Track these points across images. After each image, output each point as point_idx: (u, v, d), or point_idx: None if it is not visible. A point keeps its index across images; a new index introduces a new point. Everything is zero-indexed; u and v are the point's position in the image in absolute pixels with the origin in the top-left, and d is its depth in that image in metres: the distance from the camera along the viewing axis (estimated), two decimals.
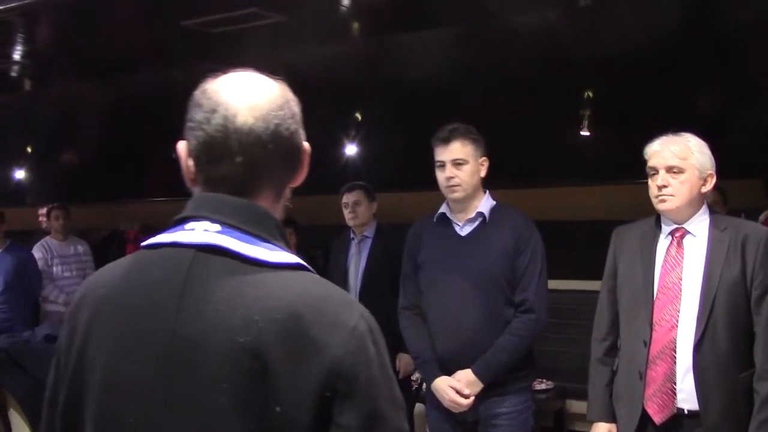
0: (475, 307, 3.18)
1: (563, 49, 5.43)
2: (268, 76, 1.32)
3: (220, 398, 1.15)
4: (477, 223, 3.29)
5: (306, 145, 1.34)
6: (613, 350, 3.00)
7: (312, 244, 5.98)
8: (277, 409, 1.14)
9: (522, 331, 3.20)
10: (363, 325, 1.20)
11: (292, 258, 1.24)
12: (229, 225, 1.24)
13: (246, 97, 1.27)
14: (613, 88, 5.45)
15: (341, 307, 1.21)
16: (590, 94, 5.59)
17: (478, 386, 3.17)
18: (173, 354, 1.19)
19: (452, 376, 3.20)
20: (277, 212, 1.32)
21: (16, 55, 5.69)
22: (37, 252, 6.70)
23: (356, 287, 4.82)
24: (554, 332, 4.86)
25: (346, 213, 4.85)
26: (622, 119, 5.39)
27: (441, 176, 3.25)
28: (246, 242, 1.23)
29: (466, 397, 3.17)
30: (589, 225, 5.26)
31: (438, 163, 3.26)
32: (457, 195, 3.23)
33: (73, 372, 1.28)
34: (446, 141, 3.23)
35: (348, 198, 4.86)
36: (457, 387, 3.18)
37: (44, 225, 7.31)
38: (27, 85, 7.00)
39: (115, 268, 1.34)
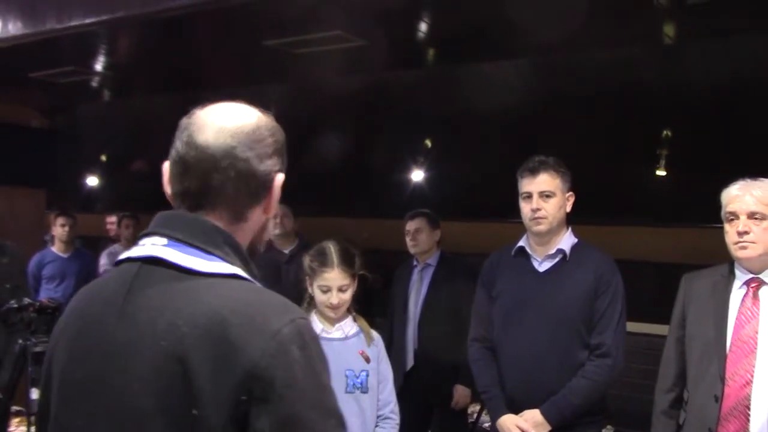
0: (548, 346, 3.11)
1: (643, 87, 5.34)
2: (256, 108, 1.36)
3: (146, 401, 1.19)
4: (557, 259, 3.21)
5: (277, 176, 1.35)
6: (678, 403, 2.90)
7: (372, 268, 5.95)
8: (194, 411, 1.15)
9: (597, 376, 3.09)
10: (290, 329, 1.19)
11: (230, 268, 1.27)
12: (176, 239, 1.29)
13: (217, 119, 1.33)
14: (691, 129, 5.33)
15: (271, 312, 1.21)
16: (669, 134, 5.48)
17: (545, 428, 3.09)
18: (113, 360, 1.25)
19: (520, 415, 3.13)
20: (240, 234, 1.34)
21: (99, 66, 5.83)
22: (104, 259, 6.86)
23: (415, 315, 4.78)
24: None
25: (408, 240, 4.83)
26: (698, 161, 5.26)
27: (526, 208, 3.17)
28: (187, 254, 1.27)
29: None
30: (660, 267, 5.12)
31: (524, 194, 3.19)
32: (541, 228, 3.15)
33: (44, 381, 1.38)
34: (534, 172, 3.16)
35: (410, 225, 4.83)
36: (524, 427, 3.10)
37: (112, 233, 7.48)
38: (106, 95, 7.16)
39: (94, 283, 1.43)
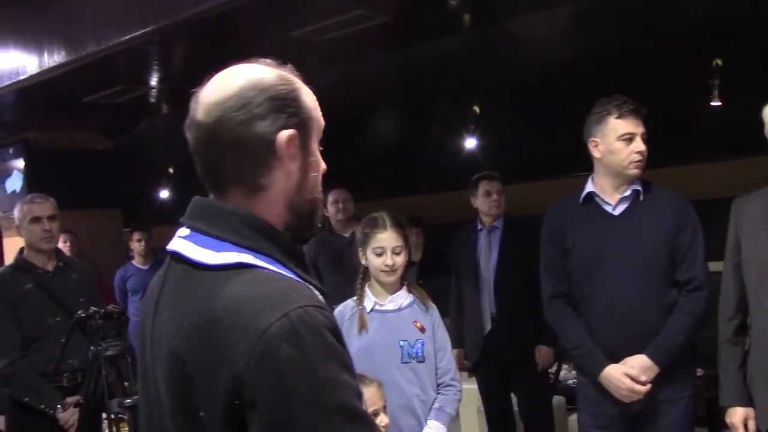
0: (640, 290, 3.02)
1: (686, 20, 5.15)
2: (265, 63, 1.32)
3: (167, 400, 1.24)
4: (631, 201, 3.11)
5: (280, 135, 1.27)
6: (743, 329, 2.85)
7: (441, 242, 5.93)
8: (201, 413, 1.17)
9: (695, 310, 3.01)
10: (281, 326, 1.12)
11: (234, 258, 1.21)
12: (195, 228, 1.28)
13: (206, 95, 1.29)
14: (741, 54, 5.12)
15: (261, 308, 1.15)
16: (719, 63, 5.27)
17: (654, 371, 2.99)
18: (150, 357, 1.30)
19: (623, 362, 3.02)
20: (265, 206, 1.29)
21: (146, 81, 6.01)
22: None
23: (490, 280, 4.73)
24: None
25: (489, 201, 4.72)
26: (753, 88, 5.06)
27: (626, 150, 3.01)
28: (200, 245, 1.25)
29: (643, 384, 2.99)
30: (724, 202, 4.96)
31: (625, 135, 3.02)
32: (639, 172, 3.05)
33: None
34: (636, 114, 3.03)
35: (491, 186, 4.74)
36: (633, 374, 2.99)
37: None
38: (164, 108, 7.38)
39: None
